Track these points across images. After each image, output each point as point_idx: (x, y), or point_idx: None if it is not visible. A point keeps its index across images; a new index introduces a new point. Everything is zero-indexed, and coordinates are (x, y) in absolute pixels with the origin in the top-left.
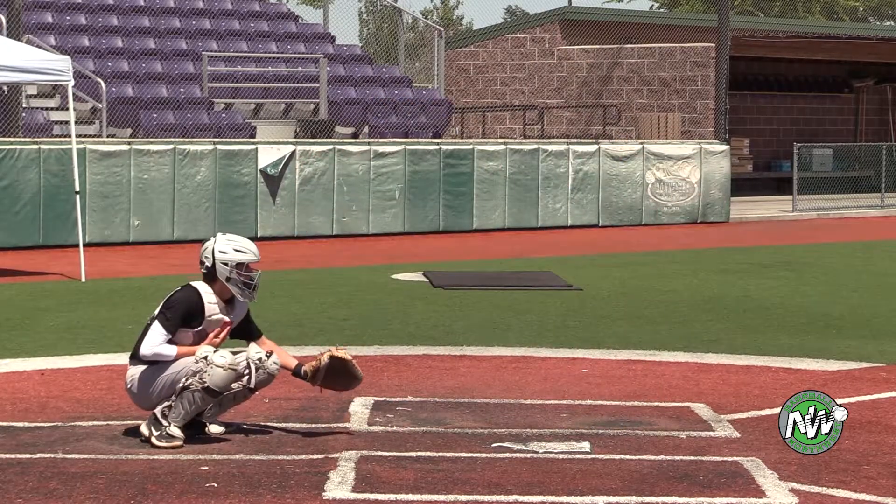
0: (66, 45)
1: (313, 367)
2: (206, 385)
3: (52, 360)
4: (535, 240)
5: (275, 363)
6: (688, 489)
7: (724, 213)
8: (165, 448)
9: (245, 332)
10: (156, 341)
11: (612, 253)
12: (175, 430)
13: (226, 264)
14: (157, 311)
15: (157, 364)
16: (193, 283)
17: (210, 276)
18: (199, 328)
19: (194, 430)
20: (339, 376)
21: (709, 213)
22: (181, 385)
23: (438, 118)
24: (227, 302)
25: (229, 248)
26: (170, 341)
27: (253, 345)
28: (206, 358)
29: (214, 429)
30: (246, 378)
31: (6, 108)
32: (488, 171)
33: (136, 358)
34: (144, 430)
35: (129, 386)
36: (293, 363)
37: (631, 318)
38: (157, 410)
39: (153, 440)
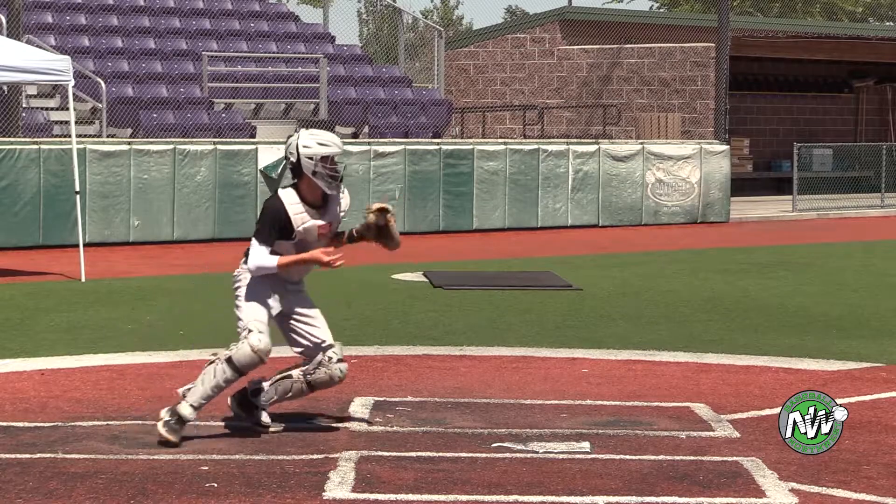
0: (66, 45)
1: (364, 225)
2: (229, 356)
3: (52, 360)
4: (535, 240)
5: (341, 371)
6: (688, 489)
7: (724, 213)
8: (162, 437)
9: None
10: (255, 254)
11: (612, 253)
12: (185, 409)
13: (310, 158)
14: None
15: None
16: (281, 191)
17: (296, 173)
18: (295, 240)
19: (250, 419)
20: (383, 234)
21: (709, 213)
22: (215, 358)
23: (438, 118)
24: (319, 207)
25: (313, 141)
26: (272, 253)
27: (337, 344)
28: (249, 331)
29: (265, 419)
30: (311, 369)
31: (6, 108)
32: (488, 171)
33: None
34: (163, 413)
35: (233, 285)
36: (344, 235)
37: (631, 318)
38: (181, 390)
39: (158, 425)
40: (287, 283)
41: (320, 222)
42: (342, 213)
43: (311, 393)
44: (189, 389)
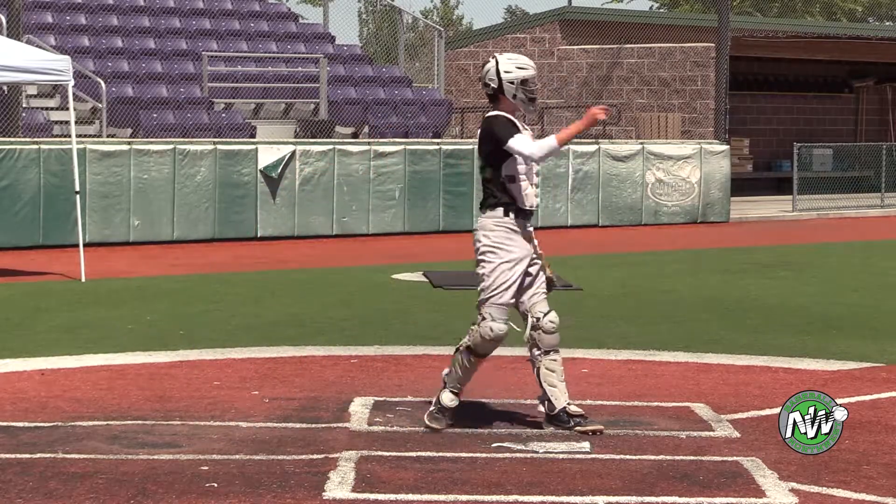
0: (66, 45)
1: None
2: (468, 345)
3: (52, 360)
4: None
5: (551, 322)
6: (688, 489)
7: (724, 213)
8: (429, 427)
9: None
10: (526, 144)
11: (612, 253)
12: (446, 396)
13: (512, 83)
14: (492, 146)
15: (502, 246)
16: (493, 113)
17: (495, 98)
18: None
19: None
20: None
21: (709, 213)
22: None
23: (438, 118)
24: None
25: (512, 66)
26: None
27: (543, 301)
28: (484, 319)
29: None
30: (527, 332)
31: (6, 108)
32: None
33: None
34: (433, 403)
35: (476, 245)
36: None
37: (631, 318)
38: (443, 374)
39: (426, 417)
40: (524, 231)
41: (530, 133)
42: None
43: (544, 357)
44: (447, 374)
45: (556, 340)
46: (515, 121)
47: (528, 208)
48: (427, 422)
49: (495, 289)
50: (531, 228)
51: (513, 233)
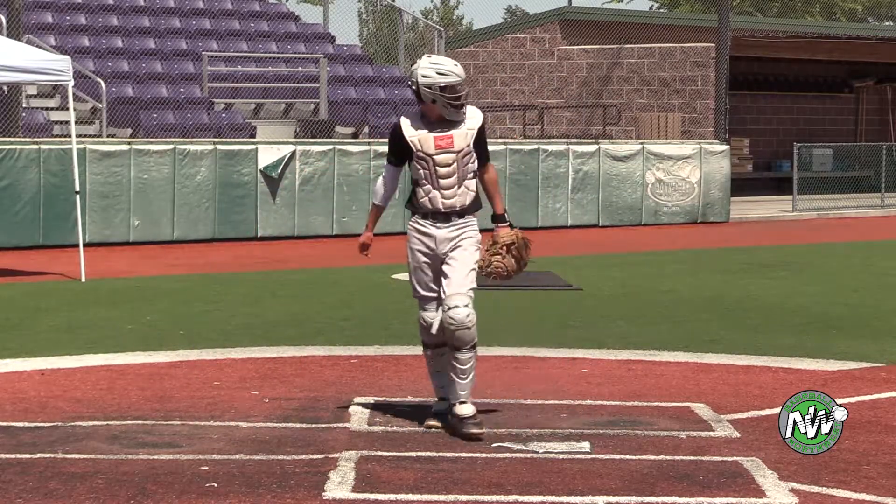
0: (66, 45)
1: (510, 238)
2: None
3: (52, 360)
4: (536, 240)
5: (451, 318)
6: (688, 489)
7: (724, 213)
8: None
9: (479, 154)
10: (378, 183)
11: (612, 253)
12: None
13: (429, 87)
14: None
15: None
16: (403, 116)
17: (419, 98)
18: (413, 155)
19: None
20: (518, 256)
21: (709, 213)
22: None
23: None
24: (443, 121)
25: (432, 70)
26: (393, 178)
27: (457, 292)
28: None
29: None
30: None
31: (6, 108)
32: None
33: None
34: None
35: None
36: (497, 209)
37: (631, 318)
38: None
39: (471, 430)
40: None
41: (439, 133)
42: (471, 132)
43: (454, 351)
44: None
45: (461, 338)
46: (402, 130)
47: (431, 210)
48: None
49: (412, 284)
50: (448, 228)
51: (418, 233)
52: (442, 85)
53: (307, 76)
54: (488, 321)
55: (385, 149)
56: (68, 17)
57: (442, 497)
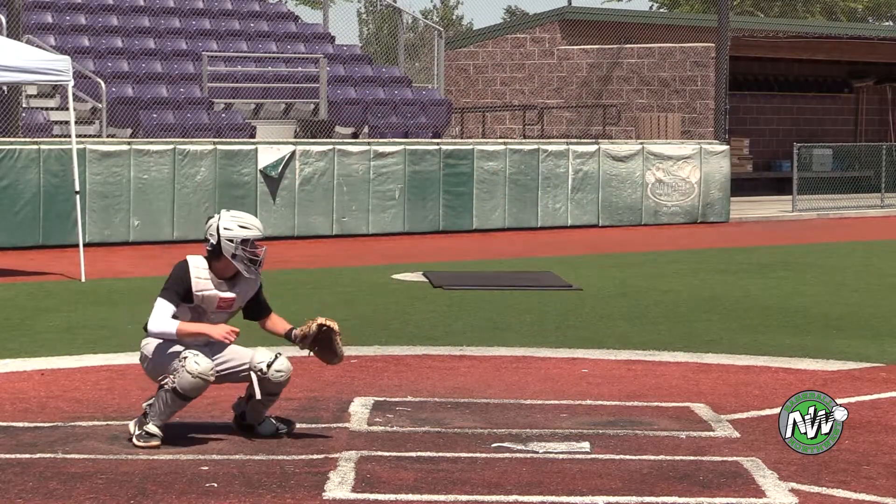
0: (66, 45)
1: (303, 331)
2: (174, 386)
3: (52, 360)
4: (535, 240)
5: (278, 371)
6: (688, 489)
7: (724, 213)
8: (144, 448)
9: (254, 311)
10: (157, 315)
11: (612, 253)
12: (153, 429)
13: (231, 241)
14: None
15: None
16: (190, 257)
17: (215, 253)
18: (192, 304)
19: (246, 433)
20: (324, 347)
21: (709, 213)
22: (161, 379)
23: (438, 118)
24: (230, 279)
25: (234, 224)
26: (174, 316)
27: (258, 352)
28: (185, 358)
29: (270, 428)
30: (256, 389)
31: (6, 108)
32: (488, 171)
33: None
34: (131, 427)
35: (140, 358)
36: (284, 328)
37: (631, 318)
38: (145, 404)
39: (134, 440)
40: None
41: (224, 294)
42: (250, 294)
43: (276, 397)
44: (150, 405)
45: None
46: (194, 277)
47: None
48: (144, 444)
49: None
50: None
51: None
52: (244, 238)
53: (307, 76)
54: (488, 321)
55: (384, 149)
56: (68, 17)
57: (442, 497)
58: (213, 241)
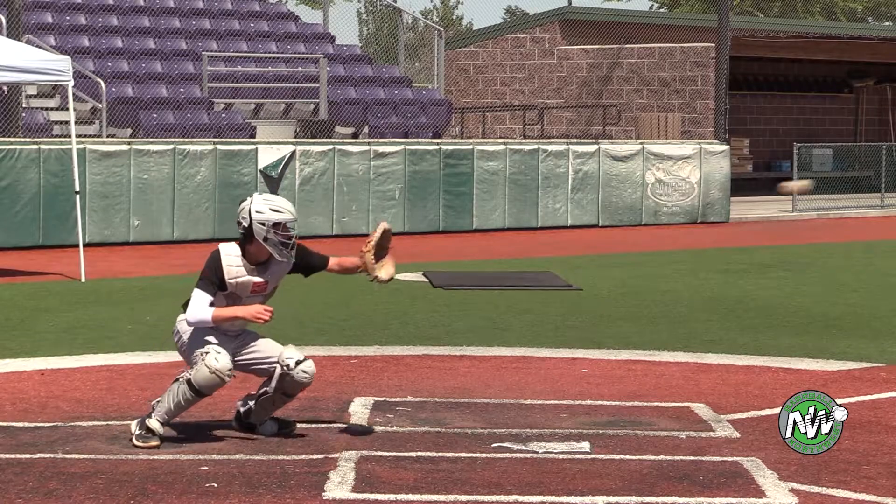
0: (66, 45)
1: (369, 241)
2: (189, 378)
3: (52, 360)
4: (535, 240)
5: (304, 372)
6: (688, 489)
7: (724, 213)
8: (143, 448)
9: (310, 268)
10: (194, 305)
11: (612, 253)
12: (154, 424)
13: (263, 224)
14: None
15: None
16: (222, 245)
17: (247, 237)
18: (227, 291)
19: (246, 432)
20: (381, 255)
21: (709, 213)
22: (180, 373)
23: (438, 118)
24: (261, 264)
25: (266, 207)
26: (210, 304)
27: (289, 349)
28: (206, 353)
29: (271, 429)
30: (273, 384)
31: (6, 108)
32: (488, 171)
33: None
34: (133, 427)
35: (176, 340)
36: (351, 260)
37: (631, 318)
38: (154, 402)
39: (133, 440)
40: (227, 332)
41: (257, 279)
42: (283, 275)
43: (291, 399)
44: (158, 402)
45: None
46: (226, 266)
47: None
48: (143, 444)
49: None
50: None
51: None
52: (276, 221)
53: (307, 76)
54: (488, 321)
55: (384, 149)
56: (68, 17)
57: (442, 497)
58: (245, 224)
